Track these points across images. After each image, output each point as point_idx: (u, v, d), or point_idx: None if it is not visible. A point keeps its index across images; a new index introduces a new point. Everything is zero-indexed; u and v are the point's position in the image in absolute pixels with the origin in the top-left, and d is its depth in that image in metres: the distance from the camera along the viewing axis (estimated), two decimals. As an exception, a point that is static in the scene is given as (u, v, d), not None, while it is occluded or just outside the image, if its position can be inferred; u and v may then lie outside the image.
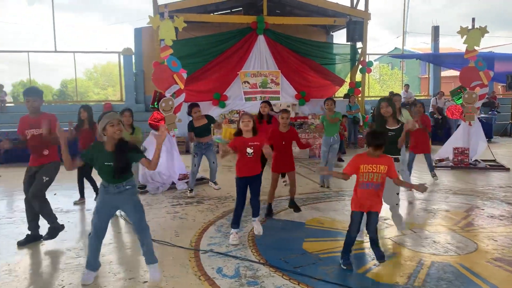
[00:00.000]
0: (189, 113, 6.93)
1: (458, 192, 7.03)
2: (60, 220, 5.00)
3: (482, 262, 4.10)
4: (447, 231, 5.03)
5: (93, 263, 3.78)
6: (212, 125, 7.08)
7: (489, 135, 13.19)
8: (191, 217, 5.76)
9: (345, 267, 3.93)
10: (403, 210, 5.95)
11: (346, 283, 3.67)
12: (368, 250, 4.44)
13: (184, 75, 8.01)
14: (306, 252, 4.40)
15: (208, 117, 7.05)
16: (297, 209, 5.76)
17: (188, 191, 7.00)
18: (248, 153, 4.64)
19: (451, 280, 3.70)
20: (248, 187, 4.80)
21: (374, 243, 4.06)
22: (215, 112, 12.97)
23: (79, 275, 3.86)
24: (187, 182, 7.67)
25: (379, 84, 31.75)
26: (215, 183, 7.20)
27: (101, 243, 3.81)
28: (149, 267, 3.82)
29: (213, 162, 7.07)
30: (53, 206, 6.36)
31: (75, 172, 8.79)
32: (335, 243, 4.66)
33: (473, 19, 9.38)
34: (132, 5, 73.50)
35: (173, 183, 7.66)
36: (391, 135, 4.75)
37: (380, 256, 4.00)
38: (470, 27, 9.29)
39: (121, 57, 15.68)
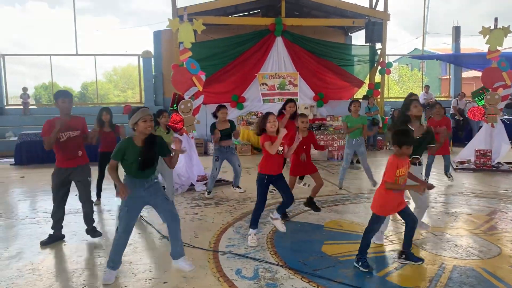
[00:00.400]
0: (215, 114, 6.88)
1: (480, 195, 6.90)
2: (81, 220, 5.10)
3: (505, 266, 4.01)
4: (469, 235, 4.94)
5: (117, 260, 3.85)
6: (233, 131, 7.05)
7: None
8: (209, 218, 5.79)
9: (367, 270, 3.90)
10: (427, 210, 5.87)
11: (366, 286, 3.64)
12: (388, 253, 4.40)
13: (203, 77, 8.08)
14: (325, 254, 4.38)
15: (231, 122, 7.07)
16: (316, 208, 5.79)
17: (206, 192, 7.04)
18: (279, 151, 4.66)
19: (474, 285, 3.63)
20: (276, 186, 4.81)
21: (413, 231, 4.05)
22: (233, 114, 13.05)
23: (100, 275, 3.92)
24: (205, 184, 7.72)
25: (398, 85, 31.37)
26: (239, 187, 7.22)
27: (128, 241, 3.90)
28: (179, 261, 3.96)
29: (238, 165, 7.06)
30: (75, 207, 6.51)
31: (96, 175, 8.97)
32: (355, 245, 4.59)
33: (496, 19, 9.21)
34: (152, 8, 74.44)
35: (192, 185, 7.72)
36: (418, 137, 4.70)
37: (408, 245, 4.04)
38: (492, 27, 9.11)
39: (141, 59, 15.89)
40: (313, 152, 11.34)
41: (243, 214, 5.94)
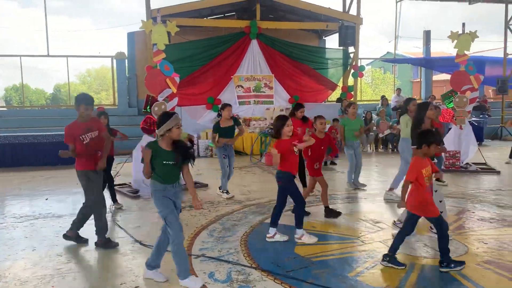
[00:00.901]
0: (219, 113, 6.99)
1: (449, 195, 7.08)
2: (52, 225, 4.99)
3: (472, 265, 4.13)
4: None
5: (187, 264, 3.83)
6: (236, 127, 7.08)
7: (480, 139, 13.29)
8: (183, 221, 5.71)
9: (403, 267, 4.00)
10: (390, 212, 5.99)
11: (338, 286, 3.69)
12: (359, 253, 4.47)
13: (177, 79, 8.02)
14: (298, 255, 4.41)
15: (234, 118, 7.11)
16: (336, 214, 5.80)
17: (225, 193, 7.09)
18: (296, 151, 4.78)
19: (441, 284, 3.73)
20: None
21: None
22: (209, 116, 13.01)
23: (70, 280, 3.85)
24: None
25: (371, 88, 31.93)
26: (227, 192, 7.17)
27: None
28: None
29: (233, 167, 7.18)
30: (45, 211, 6.36)
31: (68, 179, 8.80)
32: (327, 246, 4.69)
33: (463, 24, 9.49)
34: (126, 9, 73.50)
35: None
36: None
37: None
38: (460, 32, 9.39)
39: (114, 61, 15.66)
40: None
41: (217, 216, 5.93)
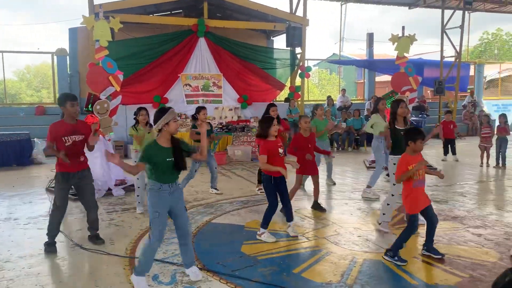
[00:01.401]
0: (195, 116, 6.91)
1: (390, 192, 7.37)
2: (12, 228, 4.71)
3: (409, 258, 4.32)
4: (380, 230, 5.25)
5: (147, 269, 3.69)
6: (211, 134, 6.94)
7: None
8: (127, 224, 5.59)
9: (405, 263, 4.11)
10: (341, 208, 6.16)
11: (282, 284, 3.73)
12: (304, 250, 4.55)
13: (121, 77, 7.78)
14: (244, 254, 4.42)
15: (209, 124, 7.04)
16: (321, 209, 6.02)
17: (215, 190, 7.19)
18: (281, 153, 4.84)
19: (382, 277, 3.88)
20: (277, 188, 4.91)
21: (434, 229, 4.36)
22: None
23: (29, 284, 3.63)
24: (124, 188, 7.46)
25: (318, 89, 32.65)
26: (216, 189, 7.23)
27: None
28: (190, 269, 3.84)
29: (215, 167, 7.15)
30: (7, 215, 5.96)
31: (32, 180, 8.31)
32: (274, 244, 4.73)
33: (403, 28, 9.91)
34: (69, 4, 70.38)
35: (109, 189, 7.40)
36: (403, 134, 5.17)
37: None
38: (400, 35, 9.80)
39: (55, 57, 14.95)
40: (238, 153, 11.51)
41: (163, 217, 5.81)
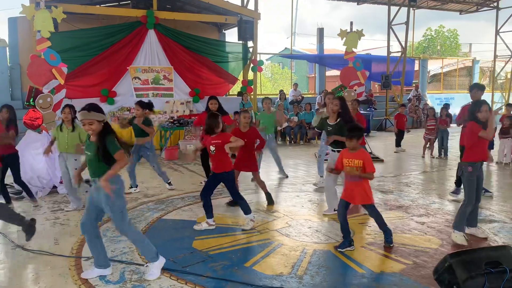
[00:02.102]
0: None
1: (340, 184, 7.53)
2: None
3: (357, 247, 4.46)
4: (329, 221, 5.39)
5: (100, 261, 3.75)
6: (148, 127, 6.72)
7: (367, 130, 14.44)
8: (73, 222, 5.38)
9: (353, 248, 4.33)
10: (293, 200, 6.24)
11: (233, 278, 3.73)
12: (255, 243, 4.58)
13: (65, 70, 7.47)
14: (195, 250, 4.38)
15: (147, 119, 6.77)
16: (271, 200, 6.09)
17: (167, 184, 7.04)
18: (211, 150, 4.81)
19: (330, 266, 3.97)
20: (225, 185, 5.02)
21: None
22: (103, 109, 12.28)
23: None
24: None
25: (270, 83, 32.90)
26: (169, 183, 7.12)
27: (95, 241, 3.75)
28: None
29: (153, 166, 7.01)
30: None
31: None
32: (225, 238, 4.72)
33: (351, 23, 10.20)
34: (7, -9, 66.31)
35: (55, 187, 7.08)
36: (330, 129, 5.43)
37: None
38: (349, 30, 10.06)
39: (-8, 49, 14.05)
40: (190, 147, 11.36)
41: (111, 215, 5.63)
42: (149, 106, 6.80)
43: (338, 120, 5.43)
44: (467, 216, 4.59)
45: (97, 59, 12.28)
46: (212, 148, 4.82)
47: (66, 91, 8.01)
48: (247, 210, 5.02)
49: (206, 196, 4.95)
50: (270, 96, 18.98)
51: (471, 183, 4.49)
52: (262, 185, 6.13)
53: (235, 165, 5.73)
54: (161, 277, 3.73)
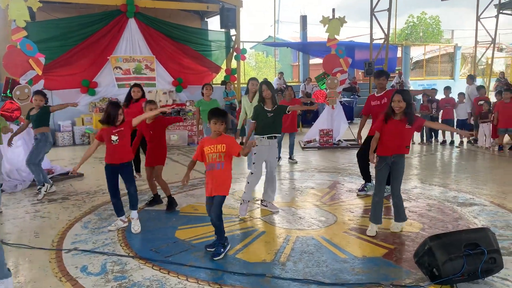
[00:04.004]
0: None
1: (323, 170, 7.61)
2: None
3: (340, 233, 4.49)
4: (312, 207, 5.41)
5: None
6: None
7: (350, 117, 14.51)
8: (54, 215, 5.30)
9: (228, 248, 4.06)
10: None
11: (216, 266, 3.72)
12: (238, 231, 4.57)
13: (42, 60, 7.28)
14: (178, 240, 4.36)
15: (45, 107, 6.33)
16: (159, 202, 5.59)
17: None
18: (113, 140, 4.49)
19: (313, 252, 3.99)
20: (120, 176, 4.64)
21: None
22: (84, 100, 12.11)
23: None
24: (51, 178, 7.05)
25: (255, 71, 32.75)
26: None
27: None
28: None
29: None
30: None
31: None
32: (209, 227, 4.64)
33: (333, 10, 10.17)
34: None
35: (34, 180, 6.95)
36: (270, 116, 5.06)
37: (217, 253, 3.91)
38: (331, 17, 10.02)
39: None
40: (174, 137, 11.28)
41: (93, 207, 5.57)
42: None
43: (276, 106, 5.14)
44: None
45: (77, 49, 12.02)
46: (114, 138, 4.48)
47: (45, 82, 7.84)
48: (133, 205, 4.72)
49: (117, 195, 4.68)
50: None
51: (378, 173, 4.42)
52: (161, 183, 5.46)
53: (147, 162, 5.38)
54: (144, 268, 3.70)
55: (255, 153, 5.10)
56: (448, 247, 3.24)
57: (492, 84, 19.15)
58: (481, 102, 9.66)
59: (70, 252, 4.06)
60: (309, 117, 14.14)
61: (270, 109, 5.10)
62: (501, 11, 17.91)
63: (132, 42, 12.81)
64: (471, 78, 11.03)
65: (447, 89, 10.27)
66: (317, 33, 26.30)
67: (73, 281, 3.49)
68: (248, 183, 5.14)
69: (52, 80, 11.48)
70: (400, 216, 4.50)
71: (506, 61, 26.91)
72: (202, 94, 7.36)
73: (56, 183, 6.87)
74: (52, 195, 6.22)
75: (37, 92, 6.25)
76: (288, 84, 17.88)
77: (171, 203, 5.39)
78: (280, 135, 5.36)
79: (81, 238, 4.46)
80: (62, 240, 4.40)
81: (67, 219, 5.09)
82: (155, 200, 5.61)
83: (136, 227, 4.62)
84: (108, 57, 12.46)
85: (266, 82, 5.27)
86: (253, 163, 5.15)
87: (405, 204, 5.38)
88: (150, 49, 13.11)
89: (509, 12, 19.33)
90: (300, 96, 15.28)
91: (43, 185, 6.18)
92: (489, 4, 17.91)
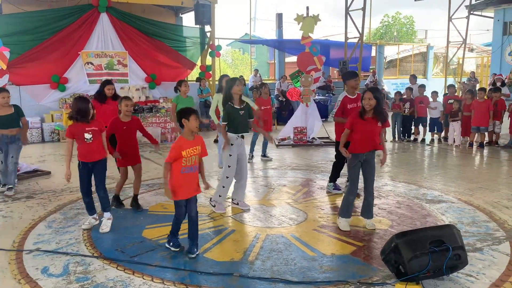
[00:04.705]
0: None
1: (296, 168, 7.61)
2: None
3: (309, 230, 4.48)
4: (283, 205, 5.39)
5: None
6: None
7: (325, 115, 14.59)
8: (17, 214, 5.11)
9: (177, 249, 3.92)
10: (248, 186, 6.19)
11: (183, 266, 3.65)
12: (208, 230, 4.51)
13: (7, 54, 7.03)
14: (145, 239, 4.26)
15: (16, 106, 6.06)
16: (138, 207, 5.29)
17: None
18: (87, 138, 4.35)
19: (282, 250, 3.96)
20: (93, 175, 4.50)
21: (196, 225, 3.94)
22: (54, 96, 11.80)
23: None
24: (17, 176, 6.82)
25: (231, 69, 32.63)
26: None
27: None
28: None
29: (12, 157, 6.00)
30: None
31: None
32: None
33: (307, 8, 10.14)
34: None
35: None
36: (242, 113, 5.04)
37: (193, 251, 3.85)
38: (305, 15, 10.01)
39: None
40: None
41: (59, 206, 5.41)
42: None
43: (244, 103, 5.11)
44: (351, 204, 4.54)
45: (46, 43, 11.67)
46: (88, 136, 4.34)
47: (13, 77, 7.58)
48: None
49: (90, 194, 4.55)
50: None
51: (351, 171, 4.48)
52: (139, 184, 5.28)
53: (119, 162, 5.18)
54: (108, 268, 3.60)
55: (230, 155, 5.03)
56: (414, 244, 3.26)
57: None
58: (451, 101, 9.86)
59: (31, 253, 3.92)
60: (284, 115, 14.15)
61: (239, 107, 5.06)
62: (471, 12, 18.34)
63: (104, 37, 12.52)
64: (414, 78, 11.48)
65: (422, 87, 10.43)
66: (294, 32, 26.41)
67: (32, 283, 3.36)
68: (224, 187, 5.09)
69: (21, 75, 11.14)
70: (371, 213, 4.54)
71: (477, 61, 27.62)
72: (177, 90, 7.16)
73: (21, 181, 6.66)
74: (16, 193, 6.00)
75: (2, 90, 5.98)
76: (264, 81, 17.88)
77: (118, 200, 5.33)
78: (248, 133, 5.27)
79: (44, 238, 4.31)
80: (24, 241, 4.24)
81: (30, 219, 4.91)
82: (118, 200, 5.41)
83: (104, 227, 4.49)
84: (79, 52, 12.16)
85: (240, 78, 5.27)
86: (228, 166, 5.07)
87: (375, 201, 5.44)
88: (123, 45, 12.85)
89: (479, 13, 19.84)
90: (275, 94, 15.29)
91: (4, 185, 5.98)
92: (461, 5, 18.28)
